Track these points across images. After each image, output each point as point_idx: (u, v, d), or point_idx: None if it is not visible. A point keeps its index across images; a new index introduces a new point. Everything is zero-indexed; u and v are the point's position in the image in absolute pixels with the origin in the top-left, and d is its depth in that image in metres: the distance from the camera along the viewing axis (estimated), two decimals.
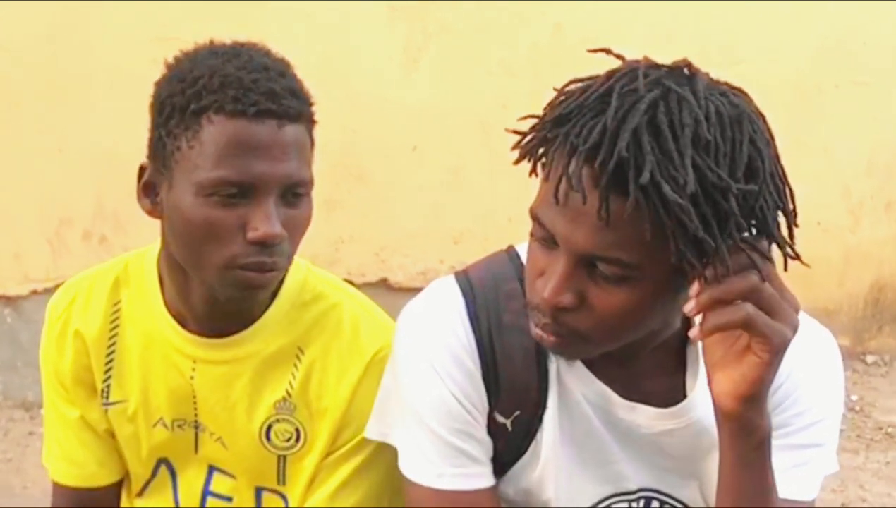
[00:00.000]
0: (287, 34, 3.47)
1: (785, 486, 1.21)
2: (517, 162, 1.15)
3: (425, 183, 3.83)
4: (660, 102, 1.04)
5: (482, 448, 1.27)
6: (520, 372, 1.25)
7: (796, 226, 1.12)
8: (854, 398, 4.10)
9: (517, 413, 1.26)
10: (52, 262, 3.60)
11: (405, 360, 1.27)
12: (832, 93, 4.17)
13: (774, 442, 1.23)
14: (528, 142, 1.13)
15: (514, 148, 1.14)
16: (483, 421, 1.27)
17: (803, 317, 1.27)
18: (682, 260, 1.05)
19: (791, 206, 1.11)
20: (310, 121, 1.26)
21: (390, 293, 3.80)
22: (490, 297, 1.27)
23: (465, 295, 1.27)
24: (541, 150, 1.12)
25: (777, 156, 1.11)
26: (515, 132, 1.13)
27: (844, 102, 4.17)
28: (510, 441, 1.28)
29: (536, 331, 1.17)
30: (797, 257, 1.11)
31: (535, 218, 1.13)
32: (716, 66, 1.19)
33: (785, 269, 1.12)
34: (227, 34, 1.31)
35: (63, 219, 3.62)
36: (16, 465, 3.32)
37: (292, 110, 1.21)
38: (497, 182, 3.62)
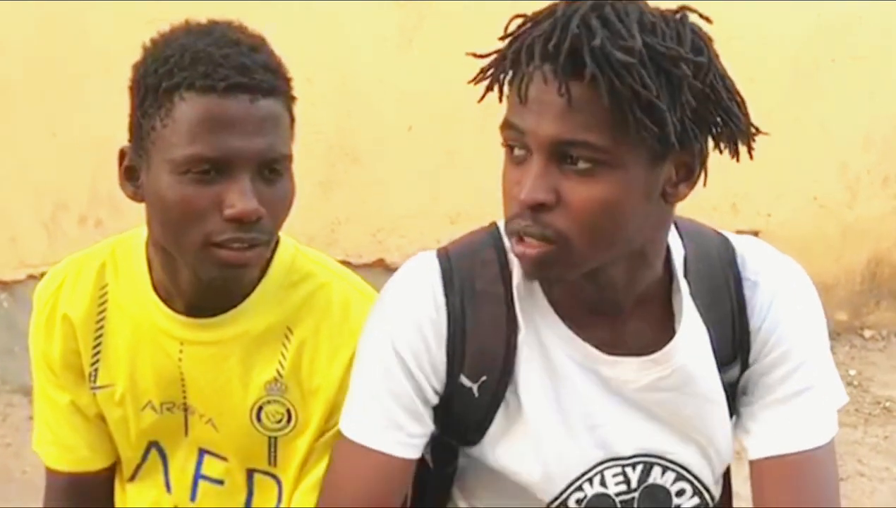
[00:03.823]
0: (281, 16, 3.46)
1: (798, 439, 1.25)
2: (481, 99, 1.23)
3: (421, 163, 3.82)
4: (605, 5, 1.13)
5: (422, 424, 1.30)
6: (488, 338, 1.27)
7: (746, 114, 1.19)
8: (852, 373, 4.10)
9: (483, 378, 1.28)
10: (49, 247, 3.59)
11: (368, 327, 1.31)
12: (829, 68, 4.15)
13: (768, 398, 1.27)
14: (492, 71, 1.20)
15: (476, 81, 1.22)
16: (433, 389, 1.29)
17: (774, 252, 1.33)
18: (640, 132, 1.11)
19: (738, 95, 1.18)
20: (287, 97, 1.25)
21: (387, 273, 3.73)
22: (465, 265, 1.30)
23: (441, 263, 1.30)
24: (503, 73, 1.19)
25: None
26: (480, 78, 1.22)
27: (841, 78, 4.15)
28: (475, 404, 1.29)
29: (518, 248, 1.19)
30: (758, 130, 1.20)
31: (506, 125, 1.18)
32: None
33: (751, 157, 1.21)
34: (219, 17, 1.29)
35: (58, 203, 3.61)
36: (15, 450, 3.32)
37: (265, 84, 1.20)
38: (493, 161, 3.54)
